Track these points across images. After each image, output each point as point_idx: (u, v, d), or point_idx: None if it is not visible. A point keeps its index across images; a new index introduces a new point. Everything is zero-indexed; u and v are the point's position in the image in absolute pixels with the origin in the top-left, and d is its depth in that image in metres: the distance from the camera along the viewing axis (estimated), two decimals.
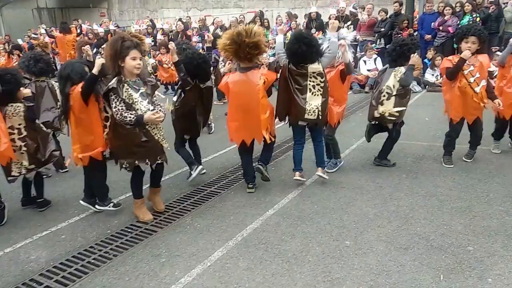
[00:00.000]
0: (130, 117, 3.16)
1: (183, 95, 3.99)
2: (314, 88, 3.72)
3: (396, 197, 3.68)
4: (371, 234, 3.07)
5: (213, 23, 13.56)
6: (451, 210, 3.38)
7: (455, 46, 9.56)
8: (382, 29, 10.25)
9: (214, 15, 16.90)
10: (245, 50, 3.58)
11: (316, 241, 3.03)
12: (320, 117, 3.76)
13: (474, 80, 4.08)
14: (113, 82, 3.14)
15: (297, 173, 4.00)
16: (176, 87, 4.00)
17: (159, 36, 12.46)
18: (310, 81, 3.71)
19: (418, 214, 3.33)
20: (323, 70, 3.72)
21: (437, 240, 2.94)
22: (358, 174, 4.24)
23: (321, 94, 3.73)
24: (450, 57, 4.23)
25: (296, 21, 11.98)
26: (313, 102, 3.73)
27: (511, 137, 4.69)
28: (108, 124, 3.39)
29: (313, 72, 3.70)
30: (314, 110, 3.73)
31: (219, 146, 5.40)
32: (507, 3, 9.28)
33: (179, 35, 12.20)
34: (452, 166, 4.30)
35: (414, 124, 5.60)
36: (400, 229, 3.13)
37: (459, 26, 9.13)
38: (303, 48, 3.58)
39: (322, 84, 3.72)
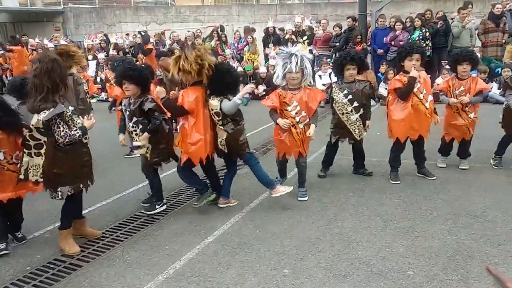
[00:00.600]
0: (77, 133, 3.01)
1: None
2: (218, 122, 3.61)
3: (341, 217, 3.56)
4: (311, 261, 2.92)
5: (170, 37, 13.33)
6: (394, 231, 3.28)
7: None
8: (337, 44, 10.39)
9: (174, 29, 16.69)
10: (189, 68, 3.44)
11: (253, 270, 2.84)
12: (226, 150, 3.66)
13: (423, 97, 4.08)
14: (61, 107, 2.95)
15: (221, 199, 3.90)
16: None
17: (111, 51, 12.07)
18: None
19: (361, 237, 3.21)
20: (220, 110, 3.56)
21: (378, 264, 2.82)
22: None
23: (224, 129, 3.60)
24: (397, 77, 4.19)
25: (252, 36, 11.96)
26: (220, 135, 3.62)
27: (460, 157, 4.68)
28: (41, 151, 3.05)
29: (211, 109, 3.59)
30: (223, 144, 3.63)
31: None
32: (453, 18, 9.61)
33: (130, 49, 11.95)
34: (398, 182, 4.25)
35: (365, 139, 5.56)
36: (341, 253, 2.99)
37: (409, 40, 9.42)
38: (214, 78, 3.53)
39: (221, 122, 3.59)
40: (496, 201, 3.70)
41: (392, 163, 4.35)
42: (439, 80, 8.19)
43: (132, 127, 3.72)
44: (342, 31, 10.60)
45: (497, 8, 8.92)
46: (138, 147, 3.71)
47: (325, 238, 3.23)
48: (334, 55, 10.50)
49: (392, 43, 9.72)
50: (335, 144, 4.40)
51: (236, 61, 11.81)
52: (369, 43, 10.20)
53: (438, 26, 9.30)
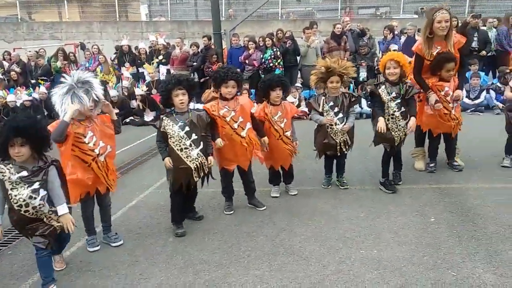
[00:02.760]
0: None
1: None
2: None
3: (151, 273, 3.01)
4: None
5: (4, 59, 11.56)
6: (203, 285, 2.85)
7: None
8: (195, 63, 10.06)
9: (26, 47, 14.74)
10: None
11: None
12: None
13: (239, 125, 3.77)
14: None
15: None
16: None
17: None
18: None
19: None
20: None
21: None
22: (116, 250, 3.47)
23: None
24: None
25: (104, 55, 10.98)
26: None
27: (285, 183, 4.51)
28: None
29: None
30: None
31: None
32: (302, 38, 10.01)
33: None
34: (232, 212, 3.95)
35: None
36: None
37: (263, 60, 9.52)
38: None
39: None
40: (317, 231, 3.54)
41: (224, 194, 4.11)
42: (290, 99, 8.33)
43: None
44: (199, 50, 10.34)
45: (337, 28, 9.51)
46: None
47: None
48: (192, 74, 10.16)
49: (247, 61, 9.74)
50: None
51: None
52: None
53: (287, 45, 9.57)
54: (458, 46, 4.50)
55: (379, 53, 9.75)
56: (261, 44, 9.76)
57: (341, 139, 4.21)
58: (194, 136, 3.47)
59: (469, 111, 7.83)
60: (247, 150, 3.87)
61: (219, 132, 3.75)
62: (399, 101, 4.14)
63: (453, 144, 4.83)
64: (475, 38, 8.72)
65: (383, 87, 4.18)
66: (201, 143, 3.51)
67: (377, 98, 4.21)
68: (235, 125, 3.77)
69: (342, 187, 4.42)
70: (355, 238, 3.39)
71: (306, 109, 8.26)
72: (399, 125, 4.18)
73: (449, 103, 4.46)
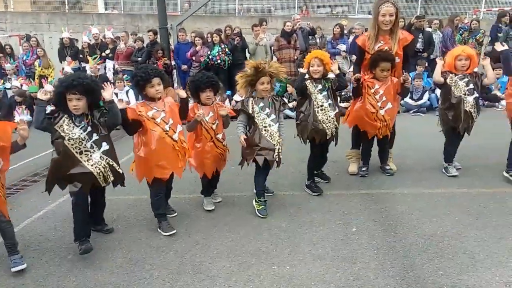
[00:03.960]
0: None
1: None
2: None
3: None
4: None
5: None
6: None
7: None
8: (139, 58, 9.59)
9: None
10: None
11: None
12: None
13: (170, 127, 3.42)
14: None
15: None
16: None
17: None
18: None
19: None
20: None
21: None
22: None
23: None
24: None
25: (43, 48, 10.30)
26: None
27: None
28: None
29: None
30: None
31: None
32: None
33: None
34: (173, 232, 3.50)
35: None
36: None
37: (210, 56, 9.19)
38: None
39: None
40: (233, 244, 3.29)
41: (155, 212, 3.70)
42: (237, 97, 8.07)
43: None
44: (145, 45, 9.88)
45: (287, 25, 9.32)
46: None
47: None
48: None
49: (193, 58, 9.38)
50: None
51: (26, 78, 10.02)
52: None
53: (235, 42, 9.29)
54: (403, 43, 4.36)
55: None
56: (209, 40, 9.44)
57: (278, 147, 3.82)
58: (95, 137, 3.12)
59: (411, 112, 7.86)
60: (179, 156, 3.52)
61: (148, 137, 3.36)
62: (325, 93, 4.03)
63: (387, 147, 4.72)
64: (420, 39, 8.78)
65: (308, 81, 4.05)
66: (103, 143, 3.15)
67: (304, 90, 4.05)
68: (167, 127, 3.41)
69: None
70: (270, 252, 3.16)
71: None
72: (329, 116, 4.03)
73: (377, 101, 4.32)
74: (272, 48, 9.58)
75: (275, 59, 9.64)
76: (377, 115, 4.35)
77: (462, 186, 4.24)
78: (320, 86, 4.03)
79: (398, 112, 7.16)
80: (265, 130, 3.77)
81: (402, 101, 8.12)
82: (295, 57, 9.46)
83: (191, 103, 3.78)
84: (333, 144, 4.22)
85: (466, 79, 4.28)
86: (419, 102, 7.77)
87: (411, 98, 8.05)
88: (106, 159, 3.15)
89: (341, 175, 4.74)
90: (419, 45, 8.81)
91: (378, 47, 4.30)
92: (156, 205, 3.58)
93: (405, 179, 4.51)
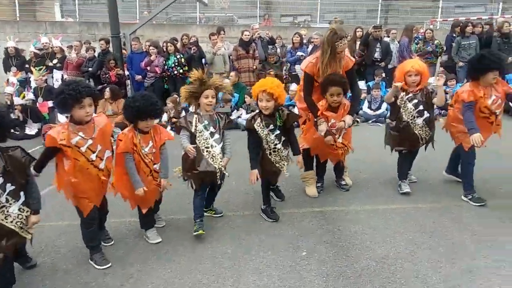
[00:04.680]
0: None
1: None
2: None
3: None
4: None
5: None
6: None
7: (166, 86, 9.37)
8: (90, 69, 9.12)
9: None
10: None
11: None
12: None
13: (97, 156, 3.05)
14: None
15: None
16: None
17: None
18: None
19: None
20: None
21: None
22: None
23: None
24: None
25: None
26: None
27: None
28: None
29: None
30: None
31: None
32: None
33: None
34: (107, 266, 3.13)
35: None
36: None
37: (165, 67, 8.85)
38: None
39: None
40: (171, 276, 2.97)
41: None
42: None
43: None
44: (96, 54, 9.41)
45: (245, 35, 9.12)
46: None
47: None
48: (88, 81, 9.20)
49: (148, 68, 9.01)
50: None
51: None
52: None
53: (192, 52, 9.00)
54: (345, 69, 4.13)
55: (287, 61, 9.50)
56: (164, 50, 9.10)
57: (221, 164, 3.53)
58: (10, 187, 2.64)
59: (370, 121, 7.81)
60: (103, 184, 3.15)
61: (69, 167, 2.95)
62: (278, 132, 3.65)
63: (342, 162, 4.55)
64: (378, 49, 8.80)
65: (258, 120, 3.62)
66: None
67: (254, 134, 3.64)
68: (93, 156, 3.00)
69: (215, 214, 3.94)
70: (211, 284, 2.87)
71: None
72: (283, 156, 3.73)
73: (335, 134, 4.13)
74: (231, 57, 9.36)
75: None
76: (336, 145, 4.18)
77: (417, 201, 4.11)
78: (271, 126, 3.62)
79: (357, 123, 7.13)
80: (207, 151, 3.46)
81: (360, 111, 8.10)
82: (254, 67, 9.28)
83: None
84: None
85: (415, 101, 4.05)
86: (378, 112, 7.74)
87: (370, 108, 8.02)
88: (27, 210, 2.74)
89: (295, 191, 4.51)
90: (376, 55, 8.82)
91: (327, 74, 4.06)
92: (88, 237, 3.21)
93: (360, 195, 4.34)
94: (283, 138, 3.69)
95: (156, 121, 3.64)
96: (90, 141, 2.98)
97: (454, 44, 8.71)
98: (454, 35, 8.99)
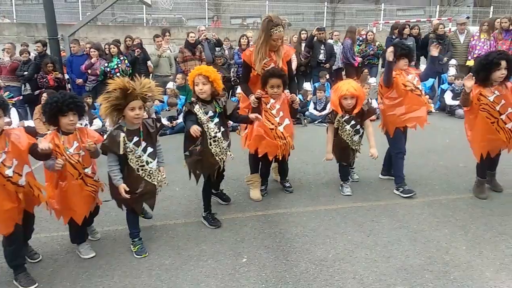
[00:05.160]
0: None
1: None
2: None
3: None
4: None
5: None
6: None
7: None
8: (26, 73, 8.57)
9: None
10: None
11: None
12: None
13: (14, 172, 2.74)
14: None
15: None
16: None
17: None
18: None
19: None
20: None
21: None
22: None
23: None
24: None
25: None
26: None
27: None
28: None
29: None
30: None
31: None
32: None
33: None
34: (33, 286, 2.89)
35: None
36: None
37: (107, 69, 8.49)
38: None
39: None
40: None
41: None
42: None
43: None
44: (32, 57, 8.87)
45: (191, 36, 8.97)
46: None
47: None
48: (24, 86, 8.64)
49: (89, 71, 8.62)
50: None
51: None
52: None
53: (136, 54, 8.71)
54: (286, 59, 4.24)
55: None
56: (107, 52, 8.75)
57: (159, 178, 3.31)
58: None
59: (316, 122, 7.93)
60: (23, 201, 2.88)
61: None
62: (217, 120, 3.58)
63: (286, 163, 4.54)
64: (322, 51, 8.96)
65: (197, 106, 3.54)
66: None
67: (193, 117, 3.53)
68: (9, 172, 2.72)
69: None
70: None
71: None
72: (223, 148, 3.64)
73: (275, 117, 4.11)
74: (177, 59, 9.17)
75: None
76: (276, 132, 4.11)
77: (357, 200, 4.19)
78: (210, 112, 3.53)
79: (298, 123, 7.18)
80: (142, 170, 3.17)
81: (307, 112, 8.21)
82: None
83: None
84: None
85: (353, 122, 4.18)
86: (323, 113, 7.86)
87: (315, 109, 8.13)
88: None
89: (239, 194, 4.45)
90: (321, 57, 8.98)
91: (264, 63, 4.10)
92: (11, 256, 2.95)
93: (303, 196, 4.35)
94: (222, 128, 3.60)
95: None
96: (3, 155, 2.71)
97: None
98: (394, 36, 9.34)
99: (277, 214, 3.96)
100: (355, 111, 4.14)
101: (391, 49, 4.08)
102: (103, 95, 3.06)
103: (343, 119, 4.17)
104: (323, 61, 9.00)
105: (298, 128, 7.68)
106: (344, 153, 4.34)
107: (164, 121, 7.72)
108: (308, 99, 8.50)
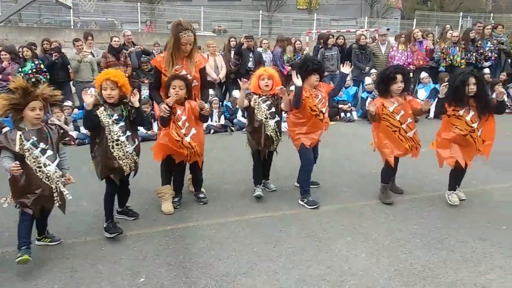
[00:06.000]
0: None
1: None
2: None
3: None
4: None
5: None
6: None
7: None
8: None
9: None
10: None
11: None
12: None
13: None
14: None
15: None
16: None
17: None
18: None
19: None
20: None
21: None
22: None
23: None
24: None
25: None
26: None
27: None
28: None
29: None
30: None
31: None
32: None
33: None
34: None
35: None
36: None
37: (21, 74, 7.88)
38: None
39: None
40: None
41: None
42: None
43: None
44: None
45: (115, 41, 8.59)
46: None
47: None
48: None
49: (0, 76, 7.94)
50: None
51: None
52: None
53: (54, 58, 8.17)
54: (199, 67, 4.20)
55: None
56: (20, 56, 8.11)
57: (58, 183, 3.22)
58: None
59: (244, 130, 7.90)
60: None
61: None
62: (123, 123, 3.50)
63: (200, 173, 4.42)
64: (251, 59, 8.98)
65: (101, 108, 3.45)
66: None
67: (96, 119, 3.44)
68: None
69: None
70: None
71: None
72: (127, 152, 3.51)
73: (181, 128, 3.98)
74: (100, 65, 8.73)
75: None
76: (182, 143, 3.99)
77: (269, 209, 4.16)
78: (116, 116, 3.47)
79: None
80: (39, 171, 3.12)
81: (235, 120, 8.16)
82: (127, 75, 8.77)
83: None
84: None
85: (268, 102, 4.25)
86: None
87: (243, 116, 8.10)
88: None
89: (151, 208, 4.25)
90: (250, 64, 8.99)
91: (176, 69, 4.01)
92: None
93: (216, 207, 4.24)
94: (128, 132, 3.53)
95: None
96: None
97: (319, 55, 9.31)
98: (320, 46, 9.61)
99: (186, 227, 3.82)
100: (271, 92, 4.26)
101: (295, 75, 4.08)
102: (3, 95, 3.08)
103: (260, 98, 4.24)
104: (252, 68, 9.01)
105: (224, 136, 7.64)
106: (259, 136, 4.23)
107: (83, 129, 7.28)
108: (237, 106, 8.44)
